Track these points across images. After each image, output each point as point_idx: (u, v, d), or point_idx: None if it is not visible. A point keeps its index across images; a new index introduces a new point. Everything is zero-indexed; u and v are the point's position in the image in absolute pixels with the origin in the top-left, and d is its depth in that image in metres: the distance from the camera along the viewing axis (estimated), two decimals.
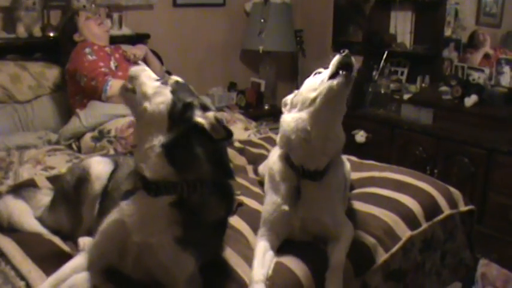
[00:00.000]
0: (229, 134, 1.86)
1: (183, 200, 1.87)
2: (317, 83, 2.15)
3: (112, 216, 1.99)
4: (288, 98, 2.31)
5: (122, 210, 1.94)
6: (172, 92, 1.90)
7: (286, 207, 2.23)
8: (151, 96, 1.90)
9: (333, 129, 2.17)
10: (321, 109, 2.11)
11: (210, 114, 1.86)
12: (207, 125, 1.84)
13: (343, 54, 2.09)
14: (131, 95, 1.96)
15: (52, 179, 2.85)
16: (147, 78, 1.97)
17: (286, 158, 2.25)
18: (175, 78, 2.01)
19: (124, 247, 1.92)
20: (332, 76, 2.10)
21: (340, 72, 2.08)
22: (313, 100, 2.13)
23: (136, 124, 2.03)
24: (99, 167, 2.35)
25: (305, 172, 2.20)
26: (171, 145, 1.83)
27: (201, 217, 1.92)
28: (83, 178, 2.32)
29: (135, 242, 1.89)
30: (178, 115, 1.86)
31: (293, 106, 2.24)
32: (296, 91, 2.29)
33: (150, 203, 1.88)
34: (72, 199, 2.32)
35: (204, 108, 1.89)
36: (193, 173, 1.87)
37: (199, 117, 1.86)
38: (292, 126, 2.17)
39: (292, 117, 2.19)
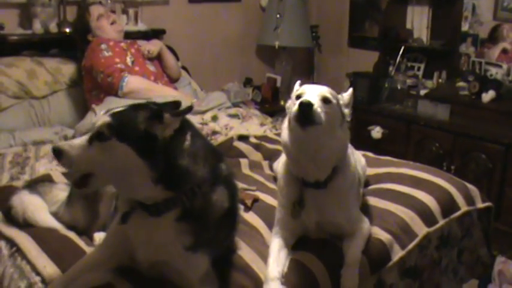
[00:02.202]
0: (187, 109, 1.77)
1: (187, 210, 1.81)
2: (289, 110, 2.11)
3: (116, 234, 1.96)
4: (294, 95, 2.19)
5: (125, 231, 1.89)
6: (120, 139, 1.70)
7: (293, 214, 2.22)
8: (109, 160, 1.72)
9: (322, 149, 2.07)
10: (294, 138, 2.09)
11: (166, 118, 1.72)
12: (174, 127, 1.73)
13: (300, 105, 1.97)
14: (95, 180, 1.78)
15: (68, 175, 2.86)
16: (83, 154, 1.73)
17: (289, 166, 2.23)
18: (100, 123, 1.73)
19: (134, 257, 1.91)
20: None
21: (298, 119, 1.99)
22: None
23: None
24: None
25: (306, 183, 2.17)
26: (160, 175, 1.73)
27: (208, 217, 1.87)
28: None
29: (144, 259, 1.89)
30: (150, 152, 1.71)
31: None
32: (299, 87, 2.20)
33: (154, 222, 1.81)
34: (89, 196, 2.32)
35: (155, 116, 1.73)
36: (190, 181, 1.81)
37: (164, 131, 1.73)
38: (283, 143, 2.16)
39: (285, 134, 2.14)
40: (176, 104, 1.83)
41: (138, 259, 1.90)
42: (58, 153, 1.73)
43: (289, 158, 2.17)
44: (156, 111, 1.74)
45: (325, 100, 2.02)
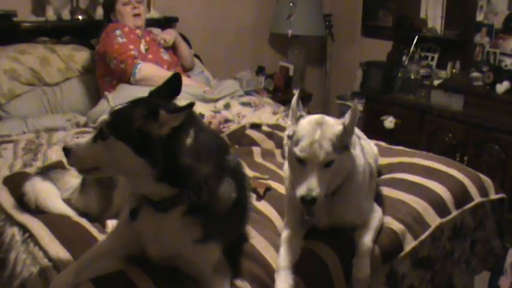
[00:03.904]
0: (187, 107, 1.71)
1: (194, 205, 1.81)
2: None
3: (126, 223, 1.96)
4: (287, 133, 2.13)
5: (134, 228, 1.91)
6: (117, 137, 1.72)
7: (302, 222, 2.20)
8: (111, 157, 1.75)
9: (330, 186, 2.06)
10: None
11: (161, 116, 1.69)
12: (171, 126, 1.70)
13: (302, 201, 1.92)
14: (99, 172, 1.83)
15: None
16: (88, 151, 1.78)
17: None
18: (100, 121, 1.78)
19: (144, 250, 1.92)
20: None
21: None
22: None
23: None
24: None
25: None
26: (163, 173, 1.74)
27: (216, 210, 1.87)
28: None
29: (155, 254, 1.89)
30: (147, 150, 1.71)
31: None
32: (296, 102, 2.10)
33: (162, 218, 1.83)
34: (104, 183, 2.32)
35: (150, 113, 1.70)
36: (195, 178, 1.80)
37: (160, 130, 1.70)
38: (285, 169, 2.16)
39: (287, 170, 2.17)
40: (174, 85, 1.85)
41: (149, 254, 1.91)
42: (66, 152, 1.80)
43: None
44: (152, 108, 1.72)
45: (328, 164, 1.96)
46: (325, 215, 2.17)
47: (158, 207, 1.82)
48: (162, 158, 1.72)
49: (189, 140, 1.77)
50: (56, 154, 3.04)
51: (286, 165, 2.29)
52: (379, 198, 2.50)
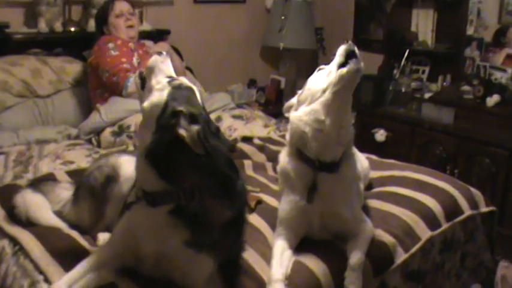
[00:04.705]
0: (207, 151, 1.74)
1: (181, 207, 1.83)
2: (325, 74, 2.17)
3: (122, 224, 1.99)
4: (291, 101, 2.34)
5: (129, 221, 1.95)
6: (169, 94, 1.84)
7: (303, 203, 2.20)
8: (151, 93, 1.88)
9: (345, 117, 2.17)
10: (333, 98, 2.10)
11: (194, 128, 1.74)
12: (187, 138, 1.73)
13: (348, 43, 2.13)
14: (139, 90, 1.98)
15: (71, 174, 2.87)
16: (159, 72, 1.96)
17: (299, 155, 2.22)
18: (181, 81, 1.93)
19: (139, 254, 1.92)
20: (341, 65, 2.12)
21: (349, 60, 2.11)
22: (324, 91, 2.12)
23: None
24: (129, 167, 2.23)
25: (321, 165, 2.16)
26: (154, 153, 1.80)
27: (205, 220, 1.87)
28: (111, 178, 2.32)
29: (148, 251, 1.89)
30: (165, 121, 1.79)
31: (300, 103, 2.22)
32: (299, 91, 2.28)
33: (151, 213, 1.86)
34: (98, 196, 2.32)
35: (193, 120, 1.76)
36: (184, 182, 1.82)
37: (181, 129, 1.74)
38: (305, 119, 2.15)
39: (303, 112, 2.17)
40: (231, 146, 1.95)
41: (144, 252, 1.91)
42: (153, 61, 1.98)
43: (311, 133, 2.15)
44: (198, 116, 1.78)
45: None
46: (322, 200, 2.18)
47: (148, 198, 1.85)
48: (162, 142, 1.78)
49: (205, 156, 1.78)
50: (47, 166, 3.04)
51: (285, 154, 2.31)
52: (370, 211, 2.51)
